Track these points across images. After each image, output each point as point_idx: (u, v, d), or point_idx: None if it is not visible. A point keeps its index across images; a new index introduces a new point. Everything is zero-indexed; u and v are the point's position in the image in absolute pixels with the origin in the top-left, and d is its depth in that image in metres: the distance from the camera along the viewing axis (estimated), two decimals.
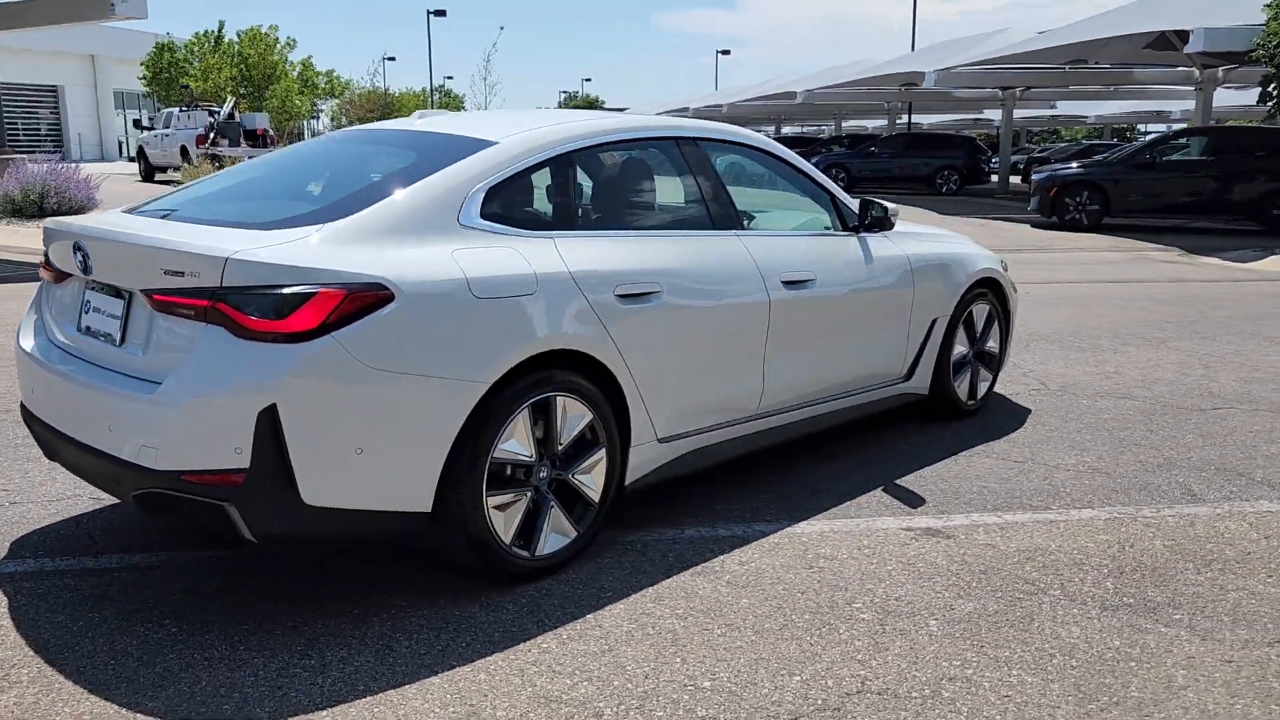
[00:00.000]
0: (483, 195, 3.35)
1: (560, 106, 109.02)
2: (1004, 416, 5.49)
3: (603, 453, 3.54)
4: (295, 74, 36.07)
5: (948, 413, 5.34)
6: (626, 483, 3.70)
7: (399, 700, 2.68)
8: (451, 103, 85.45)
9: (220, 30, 37.33)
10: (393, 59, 62.85)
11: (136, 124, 31.67)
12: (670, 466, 3.88)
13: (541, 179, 3.64)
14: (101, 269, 3.15)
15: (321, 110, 36.17)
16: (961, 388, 5.35)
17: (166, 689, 2.72)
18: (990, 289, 5.45)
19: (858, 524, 3.95)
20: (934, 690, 2.76)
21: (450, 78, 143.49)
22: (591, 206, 3.80)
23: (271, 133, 29.12)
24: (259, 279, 2.83)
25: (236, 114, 28.43)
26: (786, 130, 51.04)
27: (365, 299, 2.91)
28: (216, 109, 28.83)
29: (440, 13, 48.05)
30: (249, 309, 2.81)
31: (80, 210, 15.58)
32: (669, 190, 4.22)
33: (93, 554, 3.56)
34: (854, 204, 4.71)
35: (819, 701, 2.70)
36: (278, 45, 35.62)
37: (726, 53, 73.92)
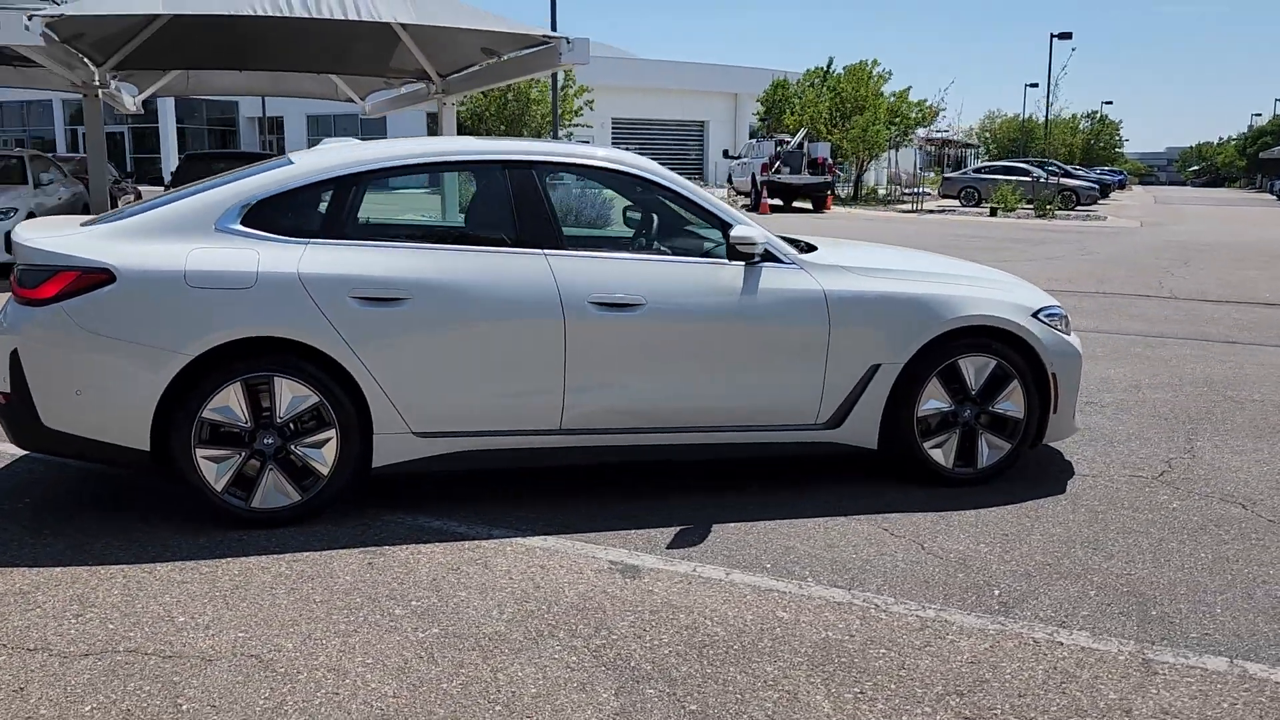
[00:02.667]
0: (247, 206, 4.11)
1: (1249, 130, 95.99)
2: (1012, 491, 4.62)
3: (334, 434, 4.08)
4: (889, 104, 37.28)
5: (926, 476, 4.68)
6: (375, 465, 4.17)
7: None
8: (1106, 128, 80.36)
9: (829, 66, 40.04)
10: (1034, 85, 60.00)
11: (725, 154, 35.49)
12: (440, 461, 4.23)
13: (321, 195, 4.25)
14: None
15: (910, 139, 36.79)
16: (942, 452, 4.66)
17: None
18: (1005, 343, 4.64)
19: (576, 547, 3.93)
20: (206, 663, 2.98)
21: (1109, 102, 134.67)
22: (367, 221, 4.29)
23: (830, 161, 30.69)
24: (32, 260, 3.95)
25: (805, 144, 30.50)
26: None
27: (91, 279, 3.88)
28: (787, 139, 31.21)
29: (1065, 35, 45.85)
30: (21, 280, 3.95)
31: None
32: (467, 209, 4.50)
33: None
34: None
35: (179, 646, 3.07)
36: (871, 78, 37.19)
37: None
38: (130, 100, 22.11)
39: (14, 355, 3.90)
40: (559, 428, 4.30)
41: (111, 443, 3.97)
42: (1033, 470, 4.94)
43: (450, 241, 4.35)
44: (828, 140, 34.22)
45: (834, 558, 3.88)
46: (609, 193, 5.72)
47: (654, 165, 4.62)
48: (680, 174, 4.80)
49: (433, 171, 4.54)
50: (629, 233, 5.24)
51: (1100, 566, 3.82)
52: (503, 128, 40.18)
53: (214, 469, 4.01)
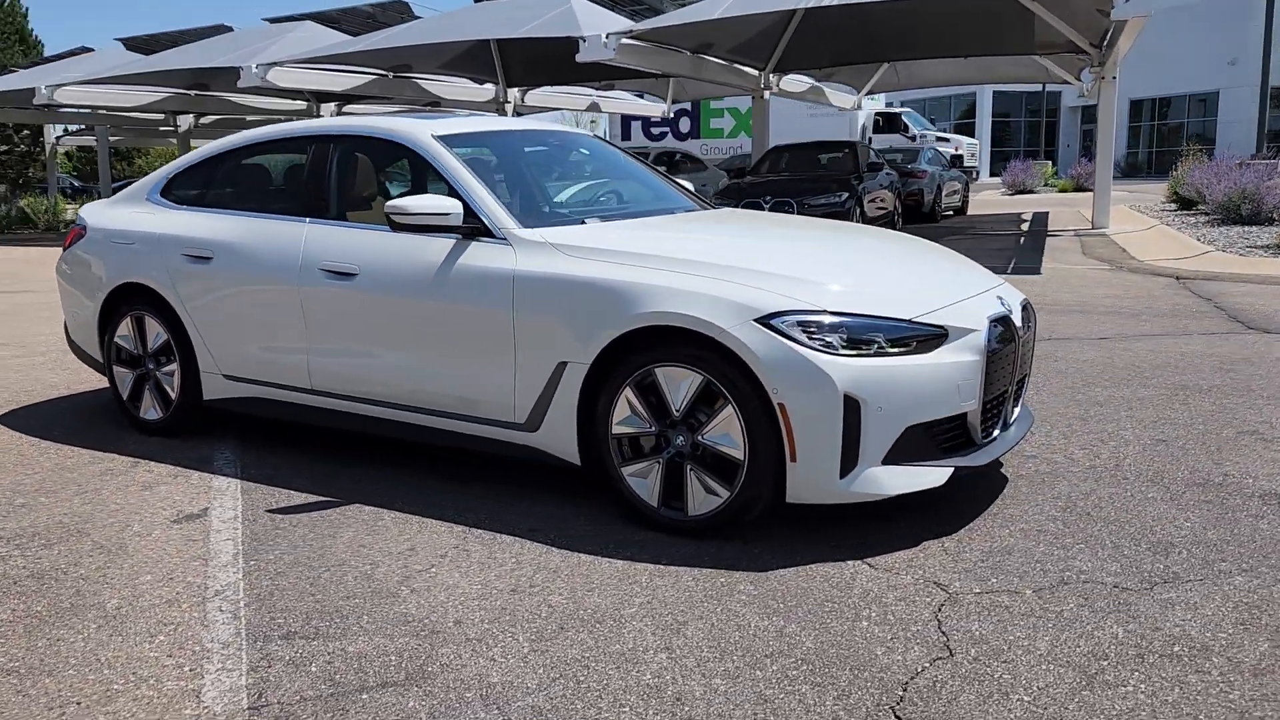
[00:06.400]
0: (165, 181, 5.20)
1: None
2: (713, 553, 3.49)
3: (176, 366, 4.99)
4: None
5: (635, 512, 3.77)
6: (205, 399, 4.95)
7: None
8: None
9: None
10: None
11: None
12: (245, 404, 4.83)
13: (200, 171, 5.07)
14: None
15: None
16: (646, 485, 3.67)
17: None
18: (718, 354, 3.47)
19: (225, 491, 4.24)
20: None
21: None
22: (214, 191, 4.89)
23: None
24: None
25: None
26: None
27: (79, 233, 5.40)
28: None
29: None
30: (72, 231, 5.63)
31: (1268, 219, 14.81)
32: (278, 180, 4.77)
33: None
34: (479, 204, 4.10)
35: None
36: None
37: None
38: (850, 99, 23.98)
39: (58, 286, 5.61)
40: (310, 387, 4.54)
41: (90, 354, 5.44)
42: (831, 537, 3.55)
43: (265, 209, 4.81)
44: None
45: (340, 555, 3.56)
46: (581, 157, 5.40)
47: (421, 136, 4.38)
48: None
49: (273, 151, 4.96)
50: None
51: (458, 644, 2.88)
52: None
53: (122, 382, 5.22)
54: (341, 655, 2.82)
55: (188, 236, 4.85)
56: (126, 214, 5.23)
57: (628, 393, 3.63)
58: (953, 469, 3.54)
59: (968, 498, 3.93)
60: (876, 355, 3.39)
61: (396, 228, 4.03)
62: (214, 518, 3.94)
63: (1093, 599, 3.06)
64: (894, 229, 16.05)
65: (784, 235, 4.42)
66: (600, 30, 13.74)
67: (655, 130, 31.30)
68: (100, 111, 26.58)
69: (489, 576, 3.33)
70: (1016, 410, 4.10)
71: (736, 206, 13.52)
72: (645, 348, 3.60)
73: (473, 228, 4.04)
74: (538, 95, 21.85)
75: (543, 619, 3.02)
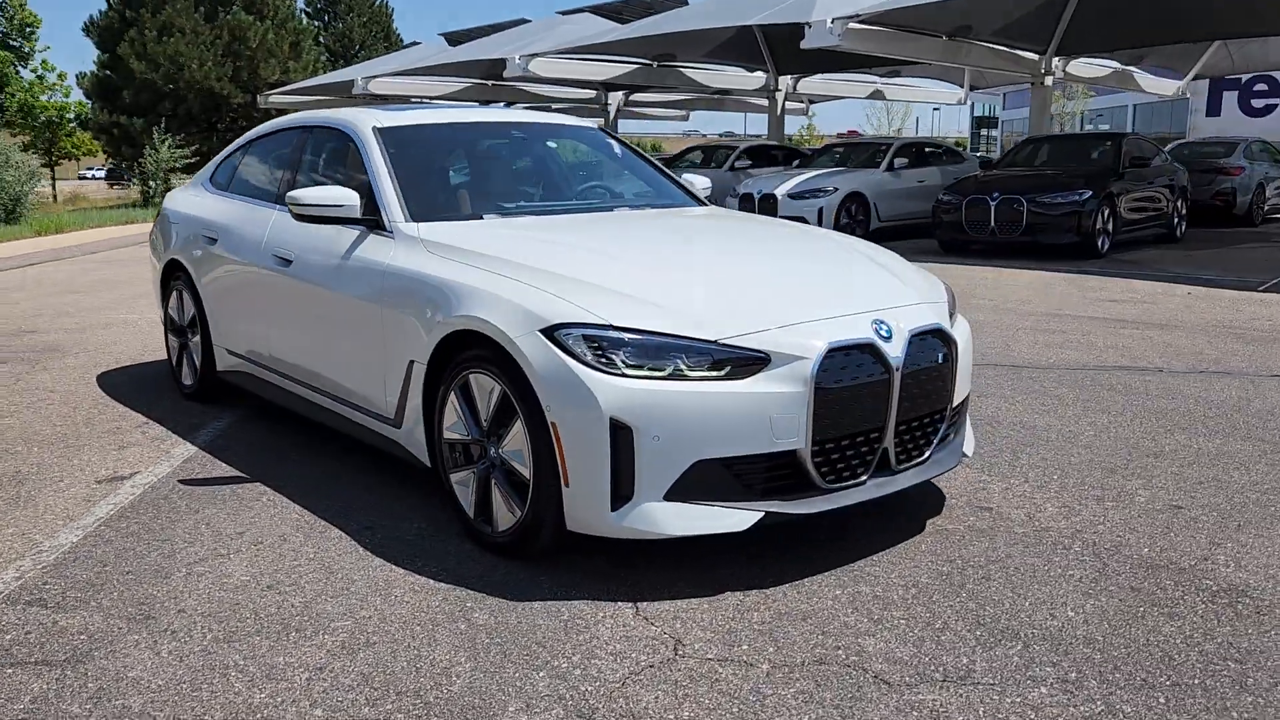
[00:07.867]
0: (215, 169, 5.63)
1: None
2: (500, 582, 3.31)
3: (198, 339, 5.41)
4: None
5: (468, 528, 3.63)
6: (217, 369, 5.32)
7: None
8: None
9: None
10: None
11: None
12: (243, 378, 5.13)
13: (232, 159, 5.41)
14: None
15: None
16: (467, 494, 3.53)
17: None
18: (513, 366, 3.22)
19: (177, 457, 4.55)
20: None
21: None
22: (235, 178, 5.17)
23: None
24: None
25: None
26: None
27: (161, 211, 5.98)
28: None
29: None
30: None
31: None
32: (277, 167, 4.92)
33: None
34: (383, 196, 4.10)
35: None
36: None
37: None
38: (1172, 85, 21.44)
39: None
40: (269, 365, 4.75)
41: (162, 314, 6.00)
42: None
43: (256, 196, 5.04)
44: None
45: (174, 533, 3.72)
46: (577, 157, 5.20)
47: (361, 127, 4.39)
48: None
49: (280, 141, 5.08)
50: None
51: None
52: None
53: (171, 349, 5.73)
54: (46, 628, 2.93)
55: (207, 219, 5.22)
56: (185, 197, 5.72)
57: (452, 398, 3.48)
58: (761, 514, 3.07)
59: (836, 550, 3.41)
60: (671, 378, 3.02)
61: (296, 217, 4.09)
62: (132, 482, 4.22)
63: (827, 686, 2.56)
64: (1173, 233, 14.15)
65: (658, 237, 4.11)
66: (833, 13, 13.13)
67: (1257, 104, 25.95)
68: (439, 102, 29.12)
69: (267, 569, 3.33)
70: (928, 452, 3.49)
71: (964, 202, 12.51)
72: (465, 352, 3.43)
73: (372, 220, 4.02)
74: (813, 83, 21.29)
75: (253, 619, 2.97)
